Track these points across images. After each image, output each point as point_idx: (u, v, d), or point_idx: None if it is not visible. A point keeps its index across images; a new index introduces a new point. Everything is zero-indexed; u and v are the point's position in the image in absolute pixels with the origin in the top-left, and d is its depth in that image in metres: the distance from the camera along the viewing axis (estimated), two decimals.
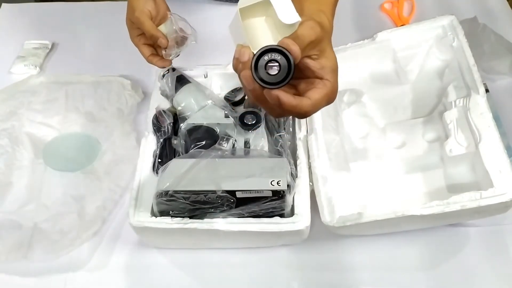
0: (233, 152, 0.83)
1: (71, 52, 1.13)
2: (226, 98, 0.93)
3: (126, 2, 0.90)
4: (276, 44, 0.56)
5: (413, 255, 0.81)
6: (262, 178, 0.74)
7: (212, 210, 0.75)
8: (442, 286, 0.78)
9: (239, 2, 0.68)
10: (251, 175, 0.74)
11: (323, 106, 0.62)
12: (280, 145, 0.83)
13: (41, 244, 0.81)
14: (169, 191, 0.73)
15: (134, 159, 0.85)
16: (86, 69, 1.08)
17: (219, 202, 0.74)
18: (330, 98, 0.62)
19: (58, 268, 0.81)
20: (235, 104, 0.92)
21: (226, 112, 0.87)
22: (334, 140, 0.86)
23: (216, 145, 0.82)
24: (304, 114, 0.61)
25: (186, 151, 0.83)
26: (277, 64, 0.56)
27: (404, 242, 0.81)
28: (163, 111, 0.89)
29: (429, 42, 0.91)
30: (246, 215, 0.75)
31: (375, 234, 0.82)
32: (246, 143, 0.86)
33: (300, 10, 0.65)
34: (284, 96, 0.58)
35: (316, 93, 0.60)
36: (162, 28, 0.89)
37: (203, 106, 0.88)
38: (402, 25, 1.11)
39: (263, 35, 0.70)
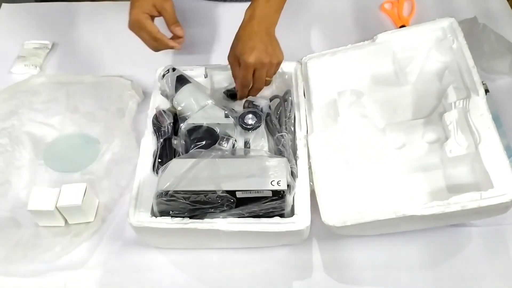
0: (233, 152, 0.83)
1: (71, 52, 1.13)
2: (226, 92, 0.93)
3: (126, 2, 0.90)
4: None
5: (413, 255, 0.81)
6: (262, 178, 0.74)
7: (212, 210, 0.75)
8: (442, 286, 0.78)
9: None
10: (251, 175, 0.75)
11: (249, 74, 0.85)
12: (282, 145, 0.83)
13: (41, 243, 0.81)
14: (169, 191, 0.73)
15: (134, 159, 0.86)
16: (86, 69, 1.08)
17: (219, 202, 0.74)
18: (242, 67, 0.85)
19: (58, 268, 0.81)
20: (234, 96, 0.93)
21: (226, 112, 0.87)
22: (334, 140, 0.86)
23: (216, 145, 0.82)
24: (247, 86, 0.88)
25: (186, 151, 0.83)
26: None
27: (404, 242, 0.81)
28: (163, 111, 0.89)
29: (429, 44, 0.91)
30: (246, 215, 0.75)
31: (375, 234, 0.82)
32: (246, 143, 0.86)
33: None
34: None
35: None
36: None
37: (203, 106, 0.88)
38: (402, 25, 1.11)
39: None
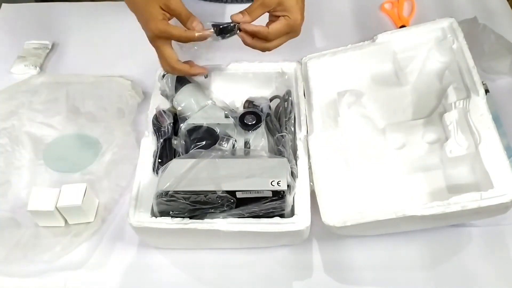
0: (233, 152, 0.83)
1: (71, 52, 1.13)
2: (218, 25, 0.81)
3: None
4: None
5: (413, 255, 0.81)
6: (262, 178, 0.74)
7: (212, 210, 0.75)
8: (442, 286, 0.78)
9: None
10: (251, 175, 0.75)
11: (284, 34, 0.81)
12: (282, 145, 0.83)
13: (41, 244, 0.81)
14: (169, 191, 0.73)
15: (134, 159, 0.86)
16: (86, 69, 1.08)
17: (219, 203, 0.74)
18: (291, 28, 0.80)
19: (58, 268, 0.81)
20: (224, 31, 0.81)
21: (226, 112, 0.87)
22: (334, 140, 0.86)
23: (216, 145, 0.82)
24: (265, 38, 0.80)
25: (186, 151, 0.83)
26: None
27: (404, 242, 0.81)
28: (163, 111, 0.89)
29: (429, 44, 0.91)
30: (246, 216, 0.75)
31: (375, 235, 0.82)
32: (246, 143, 0.86)
33: None
34: (247, 26, 0.79)
35: (274, 24, 0.80)
36: None
37: (203, 106, 0.88)
38: (402, 26, 1.11)
39: None
